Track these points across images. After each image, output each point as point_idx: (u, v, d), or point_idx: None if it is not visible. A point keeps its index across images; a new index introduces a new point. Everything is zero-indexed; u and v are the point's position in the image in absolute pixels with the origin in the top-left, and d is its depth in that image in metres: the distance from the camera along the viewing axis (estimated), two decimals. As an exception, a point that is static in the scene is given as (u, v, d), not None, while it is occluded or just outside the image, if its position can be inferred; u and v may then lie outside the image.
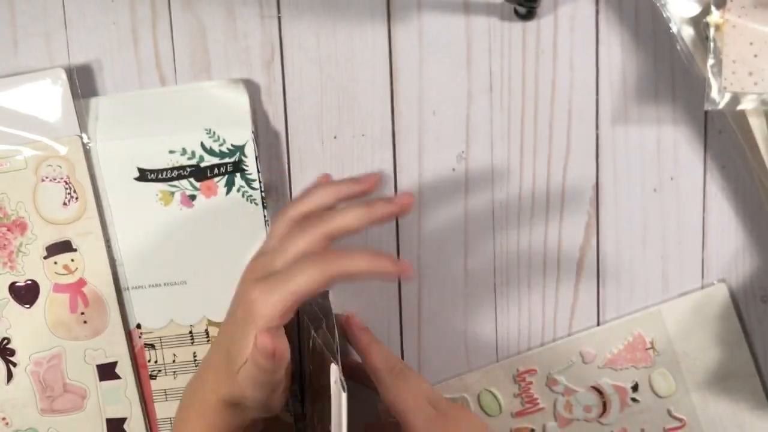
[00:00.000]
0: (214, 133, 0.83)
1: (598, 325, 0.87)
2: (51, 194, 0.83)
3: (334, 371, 0.68)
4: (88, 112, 0.83)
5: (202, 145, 0.83)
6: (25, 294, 0.84)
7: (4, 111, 0.82)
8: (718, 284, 0.86)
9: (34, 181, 0.83)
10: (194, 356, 0.86)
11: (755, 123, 0.77)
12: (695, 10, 0.77)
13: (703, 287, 0.86)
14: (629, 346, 0.87)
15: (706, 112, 0.83)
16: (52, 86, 0.82)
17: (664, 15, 0.78)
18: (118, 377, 0.85)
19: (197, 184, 0.84)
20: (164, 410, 0.86)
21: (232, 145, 0.83)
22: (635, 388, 0.87)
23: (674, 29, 0.78)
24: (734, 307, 0.85)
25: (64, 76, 0.82)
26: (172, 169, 0.84)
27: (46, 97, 0.82)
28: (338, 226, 0.68)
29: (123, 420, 0.86)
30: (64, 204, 0.83)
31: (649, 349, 0.87)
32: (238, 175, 0.83)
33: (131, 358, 0.85)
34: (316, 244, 0.68)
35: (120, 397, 0.85)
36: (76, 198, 0.83)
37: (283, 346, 0.68)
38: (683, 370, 0.87)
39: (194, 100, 0.84)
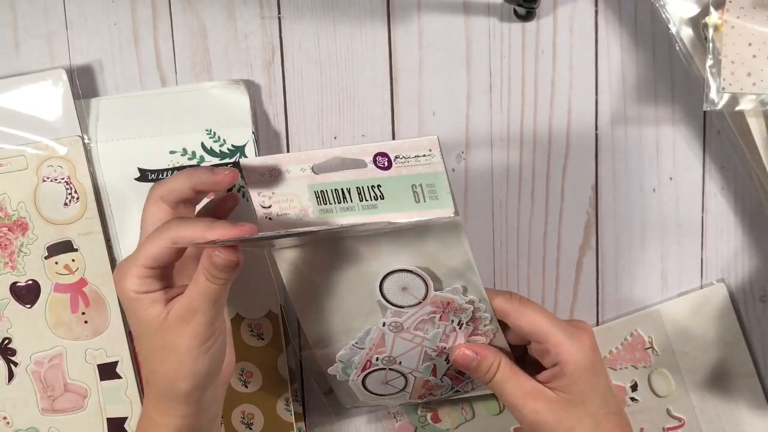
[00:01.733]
0: (214, 133, 0.83)
1: (597, 324, 0.87)
2: (52, 194, 0.83)
3: None
4: (89, 113, 0.83)
5: (203, 146, 0.84)
6: (26, 294, 0.84)
7: (5, 112, 0.82)
8: (717, 284, 0.86)
9: (35, 182, 0.83)
10: (195, 356, 0.86)
11: (754, 123, 0.77)
12: (694, 10, 0.77)
13: (701, 287, 0.86)
14: (628, 345, 0.87)
15: (704, 113, 0.83)
16: (53, 87, 0.82)
17: (663, 16, 0.78)
18: (118, 377, 0.85)
19: (198, 185, 0.84)
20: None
21: (232, 145, 0.84)
22: (634, 387, 0.87)
23: (673, 30, 0.78)
24: (733, 307, 0.85)
25: (64, 76, 0.82)
26: (173, 169, 0.84)
27: (47, 97, 0.82)
28: (179, 235, 0.71)
29: (124, 419, 0.86)
30: (65, 204, 0.83)
31: (648, 348, 0.87)
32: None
33: (132, 358, 0.85)
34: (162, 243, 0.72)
35: (121, 397, 0.85)
36: (77, 198, 0.83)
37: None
38: (682, 369, 0.87)
39: (195, 100, 0.84)
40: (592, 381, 0.73)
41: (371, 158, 0.71)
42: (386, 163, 0.70)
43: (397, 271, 0.75)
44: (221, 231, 0.69)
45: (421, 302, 0.75)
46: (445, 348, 0.77)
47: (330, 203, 0.73)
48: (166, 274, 0.73)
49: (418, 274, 0.74)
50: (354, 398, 0.83)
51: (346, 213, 0.73)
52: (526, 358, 0.78)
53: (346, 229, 0.72)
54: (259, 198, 0.74)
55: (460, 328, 0.76)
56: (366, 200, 0.72)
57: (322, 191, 0.73)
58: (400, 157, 0.70)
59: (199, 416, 0.75)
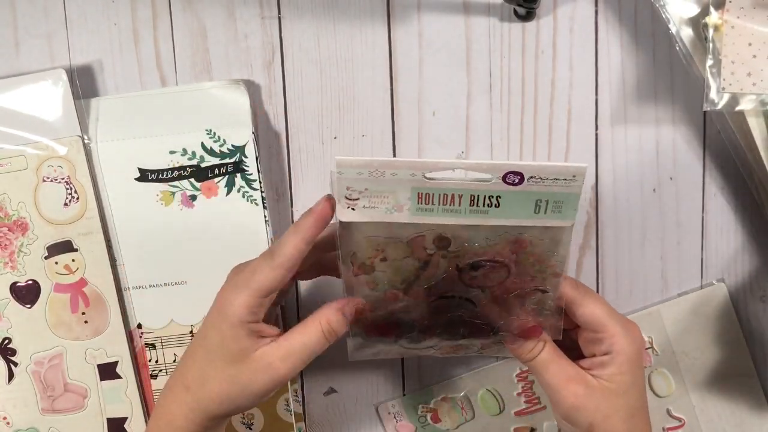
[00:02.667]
0: (214, 133, 0.84)
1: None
2: (52, 194, 0.83)
3: None
4: (89, 113, 0.84)
5: (203, 146, 0.84)
6: (26, 294, 0.84)
7: (5, 112, 0.82)
8: (717, 284, 0.86)
9: (35, 182, 0.83)
10: (195, 356, 0.86)
11: (754, 123, 0.77)
12: (694, 10, 0.77)
13: (702, 287, 0.86)
14: (628, 345, 0.87)
15: (705, 113, 0.83)
16: (53, 87, 0.82)
17: (663, 16, 0.78)
18: (118, 377, 0.85)
19: (198, 185, 0.84)
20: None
21: (232, 145, 0.84)
22: (634, 387, 0.87)
23: (673, 30, 0.78)
24: (733, 307, 0.86)
25: (64, 76, 0.82)
26: (173, 169, 0.84)
27: (47, 97, 0.82)
28: (285, 259, 0.71)
29: (124, 419, 0.86)
30: (65, 204, 0.83)
31: (649, 348, 0.87)
32: (238, 175, 0.84)
33: (132, 358, 0.85)
34: (274, 275, 0.71)
35: (121, 397, 0.85)
36: (77, 198, 0.83)
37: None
38: (682, 369, 0.87)
39: (195, 100, 0.84)
40: (636, 374, 0.73)
41: (500, 176, 0.66)
42: (517, 181, 0.67)
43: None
44: (306, 223, 0.70)
45: (507, 255, 0.72)
46: (514, 283, 0.73)
47: (432, 204, 0.68)
48: (269, 303, 0.73)
49: (513, 240, 0.71)
50: (371, 345, 0.78)
51: (447, 215, 0.69)
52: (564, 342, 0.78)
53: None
54: (346, 191, 0.68)
55: (538, 273, 0.72)
56: (477, 206, 0.68)
57: (426, 194, 0.68)
58: (536, 177, 0.66)
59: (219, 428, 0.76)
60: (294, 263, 0.70)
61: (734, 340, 0.86)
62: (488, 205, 0.68)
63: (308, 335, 0.71)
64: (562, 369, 0.74)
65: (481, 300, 0.72)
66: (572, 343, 0.76)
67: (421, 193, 0.68)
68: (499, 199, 0.67)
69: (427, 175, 0.67)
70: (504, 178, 0.66)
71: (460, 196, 0.68)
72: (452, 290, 0.72)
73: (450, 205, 0.68)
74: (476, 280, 0.72)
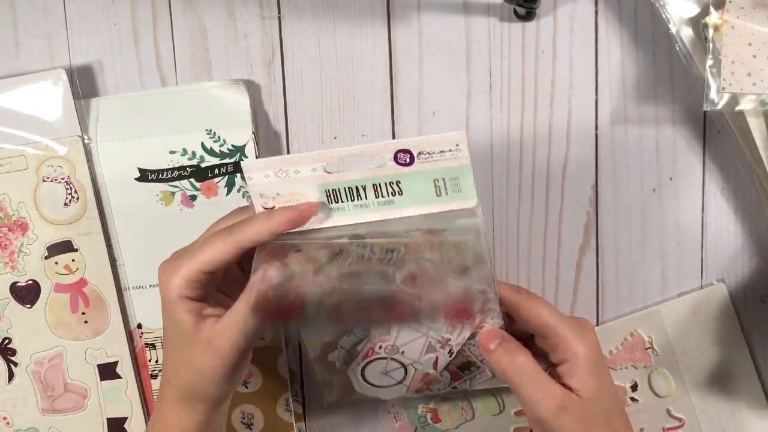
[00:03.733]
0: (214, 133, 0.84)
1: (598, 324, 0.87)
2: (52, 194, 0.83)
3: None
4: (89, 113, 0.84)
5: (203, 146, 0.84)
6: (26, 294, 0.84)
7: (5, 112, 0.82)
8: (717, 284, 0.86)
9: (35, 182, 0.83)
10: (195, 356, 0.86)
11: (754, 123, 0.77)
12: (694, 10, 0.77)
13: (702, 287, 0.86)
14: (628, 345, 0.87)
15: (705, 113, 0.83)
16: (53, 87, 0.82)
17: (663, 16, 0.78)
18: (118, 377, 0.85)
19: (198, 185, 0.84)
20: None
21: (232, 145, 0.84)
22: (634, 387, 0.87)
23: (673, 30, 0.78)
24: (733, 307, 0.86)
25: (64, 76, 0.82)
26: (173, 169, 0.84)
27: (47, 97, 0.82)
28: (244, 237, 0.70)
29: (124, 419, 0.86)
30: (65, 204, 0.83)
31: (648, 348, 0.87)
32: (238, 175, 0.84)
33: (132, 358, 0.85)
34: (227, 250, 0.70)
35: (121, 397, 0.85)
36: (77, 198, 0.83)
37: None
38: (682, 369, 0.87)
39: (195, 100, 0.84)
40: (602, 377, 0.73)
41: (392, 155, 0.69)
42: (408, 160, 0.68)
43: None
44: (282, 217, 0.69)
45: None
46: (449, 340, 0.76)
47: (342, 201, 0.71)
48: (212, 283, 0.72)
49: (428, 231, 0.72)
50: (348, 390, 0.82)
51: (359, 210, 0.71)
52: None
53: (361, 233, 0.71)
54: (261, 200, 0.71)
55: (455, 255, 0.72)
56: (382, 196, 0.71)
57: (333, 190, 0.71)
58: (424, 153, 0.68)
59: (210, 423, 0.75)
60: (249, 245, 0.70)
61: (734, 340, 0.86)
62: (392, 193, 0.70)
63: (236, 309, 0.70)
64: (541, 384, 0.72)
65: (396, 278, 0.71)
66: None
67: (329, 191, 0.70)
68: (399, 184, 0.69)
69: (327, 169, 0.69)
70: (396, 159, 0.68)
71: (365, 188, 0.70)
72: (365, 271, 0.71)
73: (357, 199, 0.70)
74: (392, 261, 0.71)
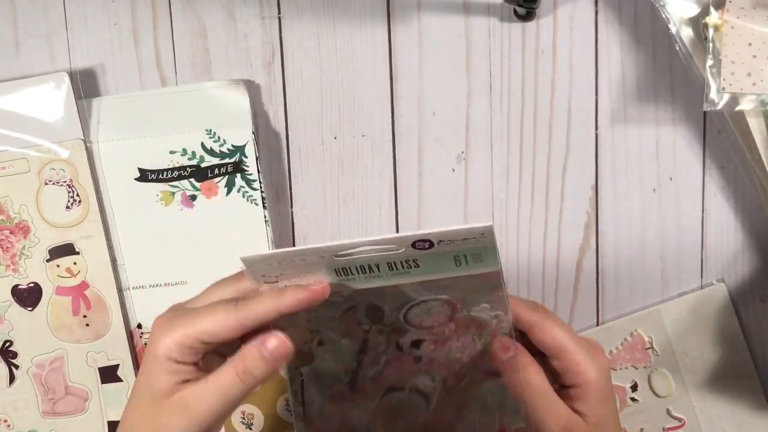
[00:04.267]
0: (214, 133, 0.84)
1: (598, 325, 0.87)
2: (54, 197, 0.83)
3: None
4: (89, 113, 0.83)
5: (203, 146, 0.84)
6: (28, 297, 0.84)
7: (7, 114, 0.82)
8: (717, 284, 0.86)
9: (37, 185, 0.83)
10: (195, 355, 0.86)
11: (754, 123, 0.77)
12: (694, 10, 0.77)
13: (702, 287, 0.86)
14: (628, 345, 0.87)
15: (704, 113, 0.83)
16: (56, 90, 0.82)
17: (663, 16, 0.78)
18: (119, 380, 0.85)
19: (198, 185, 0.84)
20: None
21: (232, 145, 0.84)
22: (634, 387, 0.87)
23: (673, 30, 0.78)
24: (733, 307, 0.86)
25: (67, 79, 0.82)
26: (173, 169, 0.84)
27: (50, 100, 0.82)
28: (250, 315, 0.66)
29: (125, 421, 0.86)
30: (67, 207, 0.83)
31: (648, 348, 0.87)
32: (238, 175, 0.84)
33: (133, 360, 0.85)
34: (229, 325, 0.66)
35: (122, 400, 0.85)
36: (79, 201, 0.83)
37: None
38: (682, 369, 0.87)
39: (195, 100, 0.84)
40: (610, 404, 0.71)
41: (409, 244, 0.64)
42: (427, 246, 0.64)
43: (424, 301, 0.70)
44: (293, 298, 0.65)
45: (445, 323, 0.71)
46: (459, 358, 0.73)
47: (353, 274, 0.67)
48: (207, 350, 0.67)
49: (446, 300, 0.70)
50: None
51: (371, 281, 0.67)
52: None
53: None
54: (262, 278, 0.67)
55: (479, 339, 0.71)
56: (397, 269, 0.66)
57: (344, 268, 0.66)
58: (445, 241, 0.64)
59: None
60: (255, 325, 0.65)
61: (734, 340, 0.86)
62: (408, 267, 0.66)
63: (223, 374, 0.65)
64: (550, 404, 0.70)
65: (433, 393, 0.71)
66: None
67: (338, 269, 0.66)
68: (416, 261, 0.65)
69: (337, 255, 0.65)
70: (414, 246, 0.64)
71: (377, 265, 0.66)
72: (400, 379, 0.70)
73: (370, 273, 0.67)
74: (422, 363, 0.71)
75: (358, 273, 0.66)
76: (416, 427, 0.70)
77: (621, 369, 0.87)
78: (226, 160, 0.84)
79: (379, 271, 0.66)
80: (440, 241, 0.63)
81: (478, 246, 0.64)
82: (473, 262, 0.65)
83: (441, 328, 0.70)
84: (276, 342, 0.65)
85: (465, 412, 0.71)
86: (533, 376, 0.70)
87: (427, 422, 0.70)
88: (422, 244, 0.63)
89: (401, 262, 0.65)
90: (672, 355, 0.87)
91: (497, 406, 0.72)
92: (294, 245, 0.86)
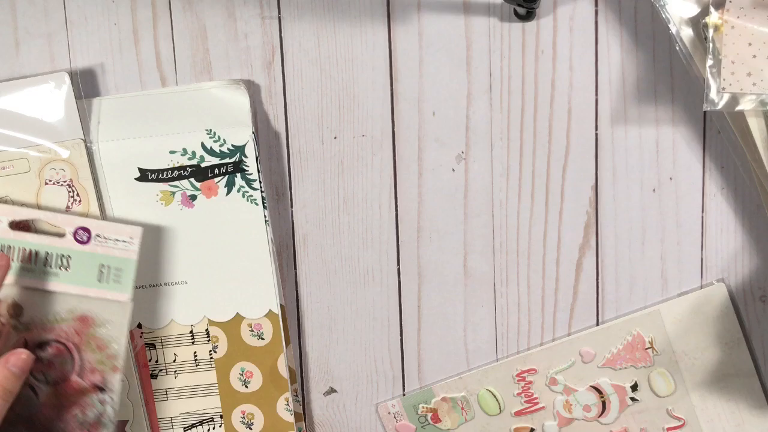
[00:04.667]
0: (214, 133, 0.84)
1: (598, 324, 0.87)
2: (54, 197, 0.83)
3: None
4: (90, 113, 0.83)
5: (203, 146, 0.84)
6: (27, 296, 0.85)
7: (8, 114, 0.82)
8: (717, 284, 0.86)
9: (37, 184, 0.83)
10: (195, 356, 0.86)
11: (754, 123, 0.77)
12: (694, 10, 0.77)
13: (702, 287, 0.86)
14: (628, 345, 0.87)
15: (705, 113, 0.83)
16: (56, 90, 0.82)
17: (663, 16, 0.78)
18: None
19: (198, 185, 0.84)
20: (165, 410, 0.86)
21: (232, 145, 0.84)
22: (634, 387, 0.87)
23: (673, 30, 0.78)
24: (733, 307, 0.86)
25: (67, 79, 0.82)
26: (173, 169, 0.84)
27: (50, 100, 0.82)
28: None
29: (125, 423, 0.86)
30: (67, 207, 0.83)
31: (648, 348, 0.87)
32: (238, 175, 0.84)
33: (133, 361, 0.85)
34: None
35: (122, 400, 0.85)
36: (79, 201, 0.83)
37: None
38: (682, 369, 0.87)
39: (195, 100, 0.84)
40: None
41: (72, 229, 0.74)
42: (86, 238, 0.75)
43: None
44: None
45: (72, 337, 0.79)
46: (73, 369, 0.80)
47: (12, 261, 0.76)
48: None
49: (79, 317, 0.79)
50: None
51: (23, 274, 0.77)
52: None
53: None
54: None
55: (94, 357, 0.80)
56: (50, 267, 0.77)
57: (9, 246, 0.75)
58: (101, 236, 0.75)
59: None
60: None
61: (734, 340, 0.86)
62: (60, 266, 0.77)
63: None
64: None
65: (43, 394, 0.78)
66: None
67: (2, 246, 0.76)
68: (69, 260, 0.76)
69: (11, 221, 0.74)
70: (75, 235, 0.75)
71: (37, 253, 0.76)
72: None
73: (27, 262, 0.77)
74: (41, 364, 0.78)
75: (18, 259, 0.76)
76: (25, 417, 0.77)
77: (621, 369, 0.87)
78: (226, 160, 0.84)
79: (35, 263, 0.76)
80: (97, 234, 0.75)
81: (124, 256, 0.77)
82: (113, 281, 0.78)
83: (67, 339, 0.79)
84: (17, 357, 0.73)
85: (66, 414, 0.78)
86: None
87: (33, 414, 0.77)
88: (82, 234, 0.75)
89: (57, 257, 0.76)
90: (672, 355, 0.87)
91: (95, 416, 0.79)
92: (294, 245, 0.86)
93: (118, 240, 0.77)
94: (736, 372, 0.87)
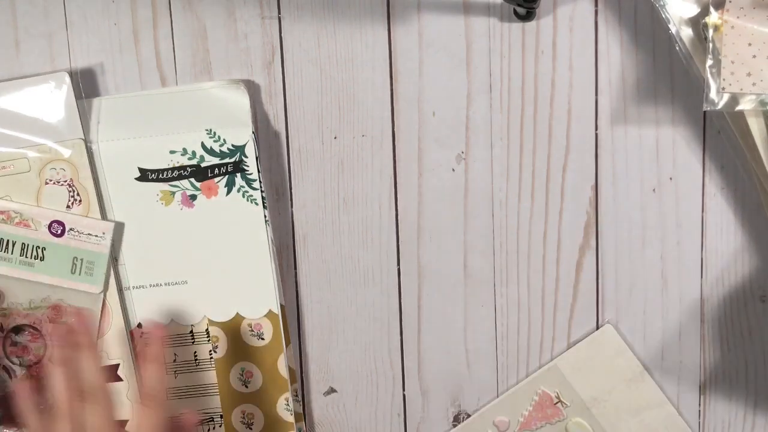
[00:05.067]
0: (214, 133, 0.84)
1: (597, 326, 0.87)
2: (55, 197, 0.83)
3: None
4: (90, 113, 0.83)
5: (203, 146, 0.84)
6: (28, 296, 0.85)
7: (8, 114, 0.82)
8: (606, 326, 0.86)
9: (37, 184, 0.83)
10: (195, 356, 0.86)
11: (754, 123, 0.77)
12: (694, 10, 0.77)
13: (597, 327, 0.87)
14: (537, 405, 0.87)
15: (704, 113, 0.83)
16: (56, 90, 0.82)
17: (663, 16, 0.78)
18: (119, 379, 0.85)
19: (198, 184, 0.84)
20: (164, 409, 0.86)
21: (232, 145, 0.84)
22: (554, 443, 0.88)
23: (673, 30, 0.78)
24: (730, 308, 0.86)
25: (67, 79, 0.82)
26: (173, 169, 0.84)
27: (50, 100, 0.82)
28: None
29: (125, 422, 0.86)
30: (68, 207, 0.83)
31: (557, 403, 0.87)
32: (238, 175, 0.84)
33: (133, 360, 0.85)
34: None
35: (122, 400, 0.85)
36: (80, 201, 0.83)
37: None
38: (596, 414, 0.87)
39: (195, 100, 0.84)
40: None
41: (47, 222, 0.80)
42: (60, 231, 0.78)
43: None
44: None
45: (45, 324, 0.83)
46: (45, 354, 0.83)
47: None
48: None
49: (52, 306, 0.82)
50: None
51: (2, 263, 0.81)
52: None
53: None
54: None
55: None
56: (26, 257, 0.81)
57: None
58: (75, 230, 0.78)
59: None
60: None
61: (636, 375, 0.87)
62: (35, 257, 0.80)
63: None
64: None
65: (17, 375, 0.83)
66: None
67: None
68: (44, 251, 0.79)
69: None
70: (50, 228, 0.79)
71: (14, 243, 0.80)
72: None
73: (4, 252, 0.81)
74: (17, 348, 0.83)
75: None
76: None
77: (538, 429, 0.88)
78: (226, 160, 0.84)
79: (12, 253, 0.80)
80: (71, 228, 0.78)
81: (96, 250, 0.80)
82: (85, 273, 0.81)
83: (41, 326, 0.82)
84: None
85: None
86: None
87: (7, 394, 0.82)
88: (57, 227, 0.78)
89: (32, 248, 0.79)
90: (582, 404, 0.87)
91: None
92: (294, 245, 0.86)
93: (90, 234, 0.81)
94: (647, 404, 0.87)
